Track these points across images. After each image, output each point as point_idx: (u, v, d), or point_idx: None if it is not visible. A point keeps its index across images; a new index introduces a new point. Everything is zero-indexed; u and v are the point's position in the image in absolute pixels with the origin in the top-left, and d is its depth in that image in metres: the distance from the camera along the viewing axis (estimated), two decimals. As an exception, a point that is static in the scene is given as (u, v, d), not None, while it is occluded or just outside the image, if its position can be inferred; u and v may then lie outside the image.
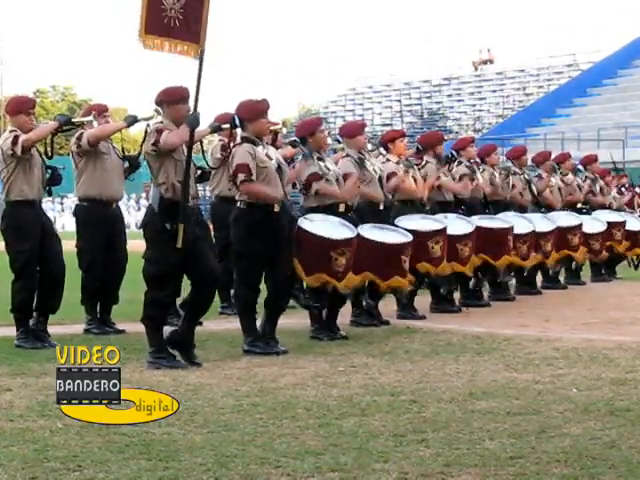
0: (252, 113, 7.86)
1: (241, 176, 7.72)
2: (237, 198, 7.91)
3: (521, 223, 11.48)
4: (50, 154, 8.39)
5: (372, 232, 8.83)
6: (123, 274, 9.07)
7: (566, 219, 12.73)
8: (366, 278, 8.70)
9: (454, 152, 11.44)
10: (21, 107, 8.30)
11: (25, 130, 8.14)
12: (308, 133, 8.72)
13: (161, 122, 7.32)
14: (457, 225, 10.35)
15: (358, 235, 8.45)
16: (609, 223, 13.62)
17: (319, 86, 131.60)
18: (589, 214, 13.82)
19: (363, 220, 8.98)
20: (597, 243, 13.32)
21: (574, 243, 12.68)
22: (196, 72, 7.23)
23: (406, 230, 9.22)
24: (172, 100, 7.33)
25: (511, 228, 11.07)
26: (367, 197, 9.29)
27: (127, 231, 9.47)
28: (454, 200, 11.06)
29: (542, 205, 13.00)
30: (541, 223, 12.01)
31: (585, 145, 33.06)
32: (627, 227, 14.07)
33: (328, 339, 8.43)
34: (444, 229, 9.86)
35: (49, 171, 8.35)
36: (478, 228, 10.50)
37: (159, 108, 7.46)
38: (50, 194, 8.60)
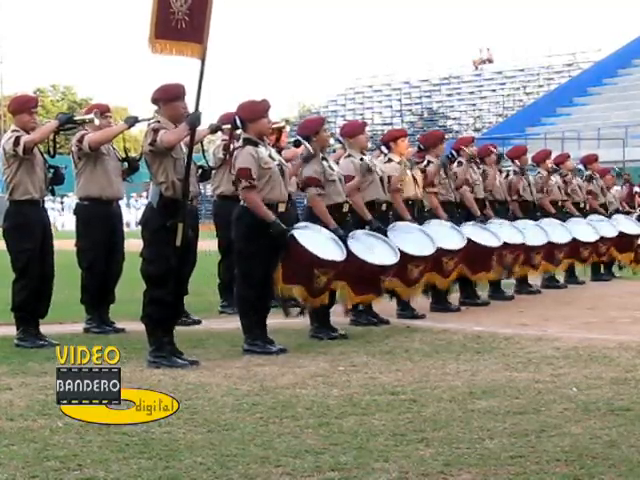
0: (253, 113, 7.85)
1: (243, 182, 7.72)
2: (240, 197, 7.91)
3: (512, 233, 11.45)
4: (52, 153, 8.39)
5: (361, 244, 8.62)
6: (120, 273, 9.07)
7: (559, 234, 12.64)
8: (341, 287, 8.46)
9: (454, 152, 11.44)
10: (23, 106, 8.29)
11: (27, 129, 8.14)
12: (313, 132, 8.69)
13: (158, 121, 7.31)
14: (449, 238, 10.19)
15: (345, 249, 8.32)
16: (601, 237, 13.58)
17: (319, 86, 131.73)
18: (586, 216, 13.83)
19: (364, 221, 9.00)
20: (586, 251, 13.31)
21: (558, 258, 12.67)
22: (198, 71, 7.20)
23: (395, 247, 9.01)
24: (168, 98, 7.31)
25: (498, 247, 10.92)
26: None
27: (127, 230, 9.46)
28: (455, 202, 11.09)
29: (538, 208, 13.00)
30: (534, 235, 11.94)
31: (585, 145, 33.07)
32: (620, 229, 14.04)
33: (328, 338, 8.42)
34: (429, 256, 9.63)
35: (52, 170, 8.35)
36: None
37: (157, 108, 7.44)
38: (53, 193, 8.60)
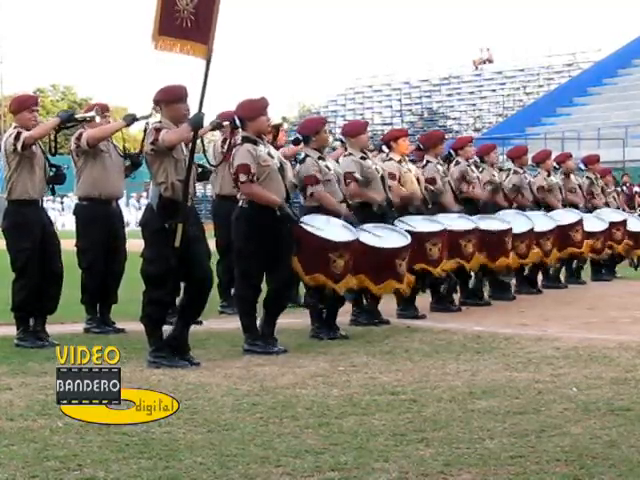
0: (251, 111, 7.87)
1: (242, 177, 7.74)
2: (239, 197, 7.92)
3: (520, 220, 11.47)
4: (54, 151, 8.40)
5: (370, 234, 8.74)
6: (122, 273, 9.07)
7: (566, 216, 12.69)
8: (361, 281, 8.62)
9: (452, 152, 11.46)
10: (24, 104, 8.30)
11: (28, 127, 8.15)
12: (313, 132, 8.72)
13: (160, 122, 7.32)
14: (459, 223, 10.38)
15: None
16: (610, 222, 13.56)
17: (319, 86, 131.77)
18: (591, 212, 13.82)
19: (364, 220, 8.99)
20: (598, 242, 13.26)
21: (577, 239, 12.66)
22: (202, 72, 7.18)
23: (405, 231, 9.19)
24: (170, 99, 7.31)
25: (509, 230, 11.02)
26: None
27: (127, 230, 9.46)
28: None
29: (541, 205, 12.99)
30: (541, 221, 11.97)
31: (585, 145, 33.06)
32: (628, 227, 14.00)
33: (328, 338, 8.42)
34: (443, 231, 9.83)
35: (53, 169, 8.35)
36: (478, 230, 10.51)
37: (156, 107, 7.44)
38: (54, 193, 8.60)
